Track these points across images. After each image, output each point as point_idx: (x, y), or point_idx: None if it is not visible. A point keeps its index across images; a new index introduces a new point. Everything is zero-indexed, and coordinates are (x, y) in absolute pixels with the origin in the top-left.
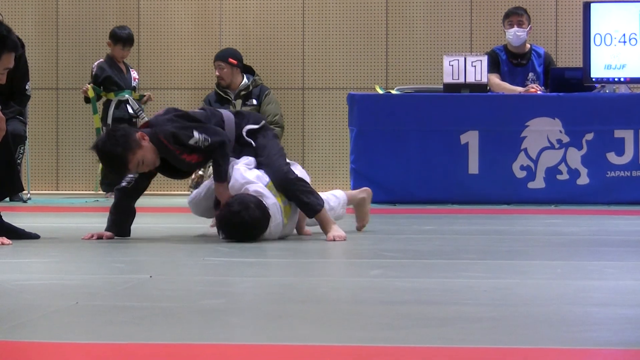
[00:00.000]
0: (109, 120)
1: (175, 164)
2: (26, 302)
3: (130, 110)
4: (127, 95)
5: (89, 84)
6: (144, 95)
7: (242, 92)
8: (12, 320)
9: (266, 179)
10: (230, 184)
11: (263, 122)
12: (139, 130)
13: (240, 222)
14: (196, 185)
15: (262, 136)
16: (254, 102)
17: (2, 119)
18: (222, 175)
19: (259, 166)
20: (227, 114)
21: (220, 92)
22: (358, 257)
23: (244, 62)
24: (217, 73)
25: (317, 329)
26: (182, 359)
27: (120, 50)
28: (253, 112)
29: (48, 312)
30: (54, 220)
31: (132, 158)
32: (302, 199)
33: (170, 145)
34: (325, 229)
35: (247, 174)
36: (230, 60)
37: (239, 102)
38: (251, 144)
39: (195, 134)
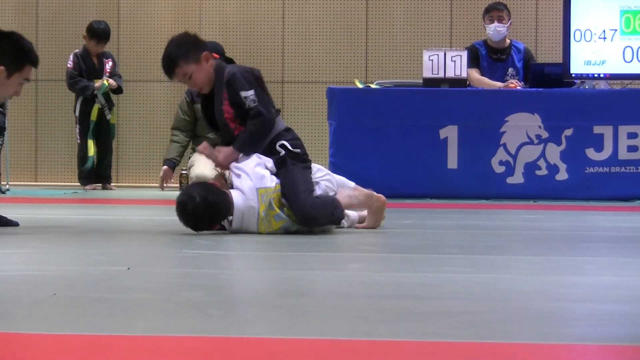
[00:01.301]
0: (77, 113)
1: (215, 106)
2: (4, 293)
3: (99, 105)
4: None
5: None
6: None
7: None
8: None
9: (267, 183)
10: (236, 162)
11: (300, 150)
12: (208, 51)
13: (181, 211)
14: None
15: (294, 162)
16: None
17: None
18: (240, 144)
19: (282, 189)
20: (279, 118)
21: None
22: (337, 251)
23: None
24: None
25: (295, 322)
26: (160, 351)
27: (95, 45)
28: (297, 137)
29: (26, 303)
30: (32, 212)
31: (183, 65)
32: (331, 222)
33: (224, 83)
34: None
35: (254, 168)
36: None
37: None
38: (279, 156)
39: (251, 92)
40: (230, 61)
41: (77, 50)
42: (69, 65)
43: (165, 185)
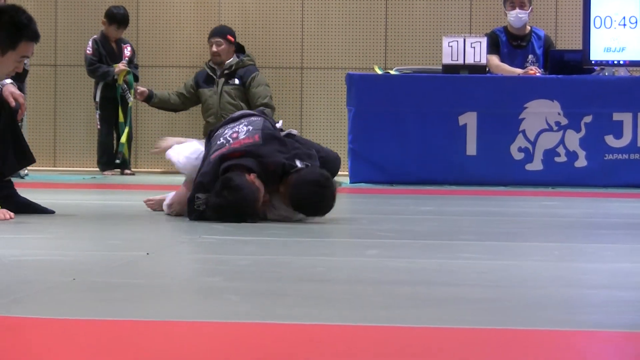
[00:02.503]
0: (98, 99)
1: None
2: (23, 277)
3: (120, 90)
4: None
5: (122, 64)
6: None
7: (226, 71)
8: (9, 296)
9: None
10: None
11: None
12: (244, 172)
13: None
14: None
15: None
16: (237, 81)
17: (21, 95)
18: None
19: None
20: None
21: (209, 71)
22: (355, 237)
23: (240, 40)
24: (214, 49)
25: (312, 308)
26: (178, 336)
27: (115, 30)
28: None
29: (45, 287)
30: (51, 197)
31: (258, 205)
32: None
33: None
34: None
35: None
36: (229, 37)
37: (221, 80)
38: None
39: (298, 162)
40: (241, 48)
41: (95, 36)
42: (87, 51)
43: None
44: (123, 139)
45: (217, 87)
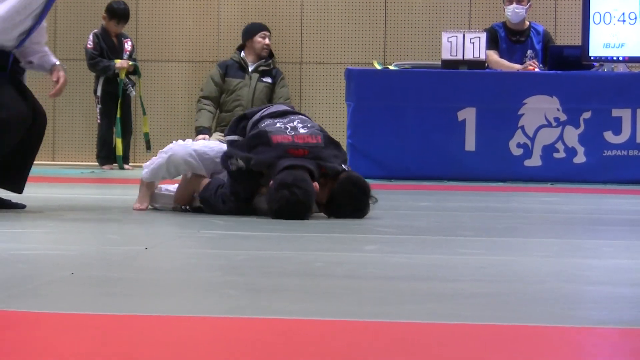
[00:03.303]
0: (99, 93)
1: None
2: (22, 272)
3: (122, 85)
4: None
5: (128, 60)
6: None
7: (262, 68)
8: (8, 290)
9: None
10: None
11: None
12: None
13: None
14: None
15: None
16: (270, 80)
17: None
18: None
19: None
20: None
21: (242, 63)
22: (353, 232)
23: (240, 35)
24: (267, 42)
25: (312, 303)
26: (177, 331)
27: (115, 25)
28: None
29: (44, 282)
30: (50, 191)
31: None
32: None
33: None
34: None
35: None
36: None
37: (255, 75)
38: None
39: (344, 166)
40: (241, 46)
41: (96, 30)
42: (88, 45)
43: None
44: (146, 128)
45: (250, 80)
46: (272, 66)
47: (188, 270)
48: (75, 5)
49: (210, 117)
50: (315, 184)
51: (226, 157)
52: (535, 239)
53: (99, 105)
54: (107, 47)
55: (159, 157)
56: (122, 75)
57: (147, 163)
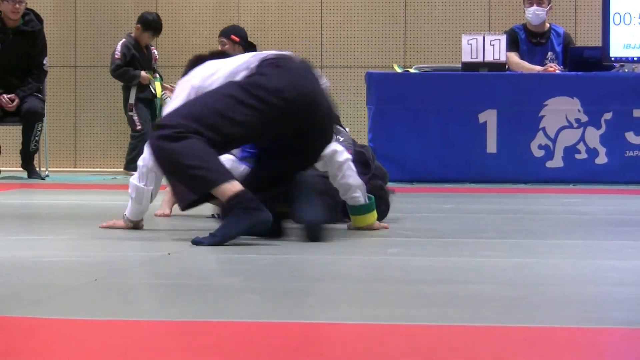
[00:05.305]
0: (132, 100)
1: None
2: (45, 279)
3: (153, 91)
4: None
5: (147, 72)
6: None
7: None
8: (32, 297)
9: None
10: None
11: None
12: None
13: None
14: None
15: None
16: None
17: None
18: None
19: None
20: None
21: None
22: (376, 236)
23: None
24: (219, 48)
25: (334, 306)
26: (201, 336)
27: (149, 37)
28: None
29: (67, 289)
30: (72, 198)
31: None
32: None
33: None
34: None
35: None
36: (233, 37)
37: None
38: None
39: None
40: (251, 46)
41: (124, 39)
42: (116, 55)
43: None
44: None
45: None
46: None
47: (210, 276)
48: (95, 12)
49: None
50: None
51: None
52: (556, 241)
53: (135, 113)
54: (139, 57)
55: None
56: (159, 90)
57: None
